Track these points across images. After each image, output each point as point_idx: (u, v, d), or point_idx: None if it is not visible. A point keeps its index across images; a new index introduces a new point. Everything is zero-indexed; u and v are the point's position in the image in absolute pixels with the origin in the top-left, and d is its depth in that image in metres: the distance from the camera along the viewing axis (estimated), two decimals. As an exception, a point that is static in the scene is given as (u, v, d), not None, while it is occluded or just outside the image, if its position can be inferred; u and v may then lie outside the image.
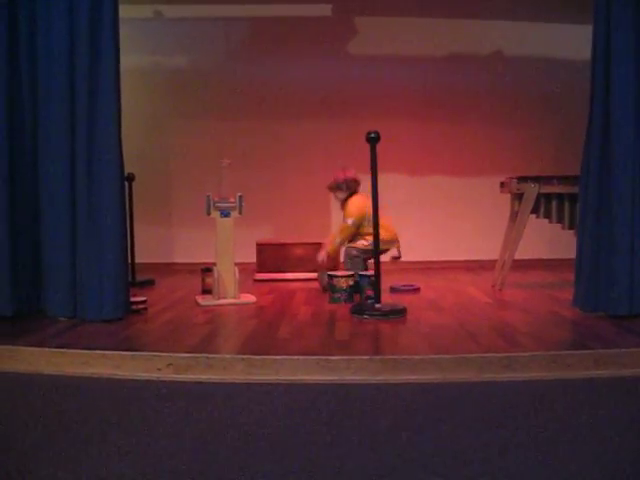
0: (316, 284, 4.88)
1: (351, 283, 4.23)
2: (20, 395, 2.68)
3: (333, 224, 4.84)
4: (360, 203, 4.63)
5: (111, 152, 3.63)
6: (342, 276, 4.25)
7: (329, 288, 4.27)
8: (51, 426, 2.29)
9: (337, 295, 4.22)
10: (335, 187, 4.78)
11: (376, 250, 3.82)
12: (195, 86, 6.22)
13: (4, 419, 2.36)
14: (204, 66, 6.28)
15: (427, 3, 6.12)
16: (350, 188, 4.76)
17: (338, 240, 4.68)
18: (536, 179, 4.50)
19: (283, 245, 5.53)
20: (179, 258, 6.19)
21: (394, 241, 4.67)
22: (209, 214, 4.25)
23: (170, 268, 6.06)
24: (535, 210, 4.53)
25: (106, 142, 3.61)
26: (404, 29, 6.15)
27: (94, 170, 3.61)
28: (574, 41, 6.04)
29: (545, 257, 6.05)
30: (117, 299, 3.66)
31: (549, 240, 5.64)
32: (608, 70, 3.50)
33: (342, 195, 4.78)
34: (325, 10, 6.21)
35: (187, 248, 6.13)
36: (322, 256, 4.72)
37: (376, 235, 3.81)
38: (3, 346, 3.06)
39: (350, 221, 4.62)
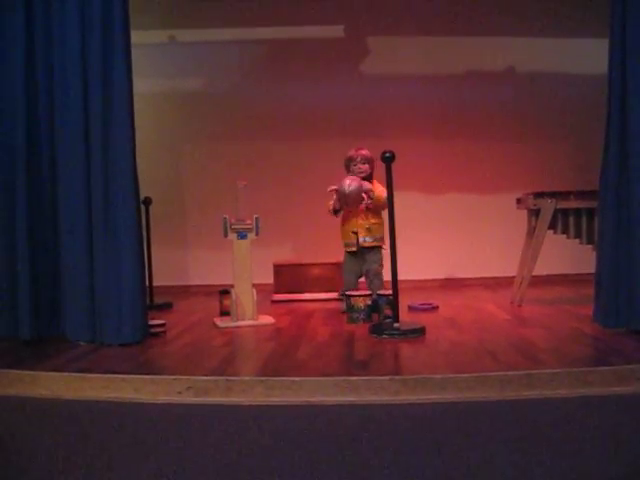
0: (334, 304, 4.87)
1: (369, 303, 4.23)
2: (40, 420, 2.69)
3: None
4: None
5: (126, 176, 3.66)
6: (360, 295, 4.25)
7: (347, 308, 4.27)
8: (71, 451, 2.29)
9: (355, 315, 4.21)
10: (368, 161, 4.59)
11: (394, 268, 3.81)
12: (210, 109, 6.26)
13: (24, 444, 2.37)
14: (219, 89, 6.33)
15: (440, 21, 6.15)
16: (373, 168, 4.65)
17: (384, 198, 4.12)
18: (553, 195, 4.48)
19: (300, 265, 5.53)
20: (196, 280, 6.20)
21: None
22: (226, 236, 4.26)
23: (187, 291, 6.08)
24: (552, 226, 4.51)
25: (120, 166, 3.65)
26: (417, 47, 6.17)
27: (110, 195, 3.64)
28: (588, 55, 6.04)
29: (564, 272, 6.01)
30: (136, 322, 3.68)
31: (567, 255, 5.60)
32: (625, 83, 3.48)
33: (368, 171, 4.60)
34: (337, 31, 6.25)
35: (204, 270, 6.14)
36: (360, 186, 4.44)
37: (394, 260, 3.80)
38: (23, 371, 3.07)
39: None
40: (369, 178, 4.61)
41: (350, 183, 4.44)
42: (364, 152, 4.61)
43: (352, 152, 4.64)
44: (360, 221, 4.58)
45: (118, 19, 3.63)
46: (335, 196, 4.56)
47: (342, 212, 4.66)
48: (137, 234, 3.72)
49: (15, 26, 3.65)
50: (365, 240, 4.58)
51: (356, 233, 4.59)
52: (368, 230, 4.58)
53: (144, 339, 3.72)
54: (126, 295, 3.64)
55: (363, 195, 4.45)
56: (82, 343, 3.67)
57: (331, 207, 4.63)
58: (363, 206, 4.51)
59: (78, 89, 3.65)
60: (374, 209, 4.56)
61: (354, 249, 4.63)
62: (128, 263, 3.65)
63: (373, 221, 4.59)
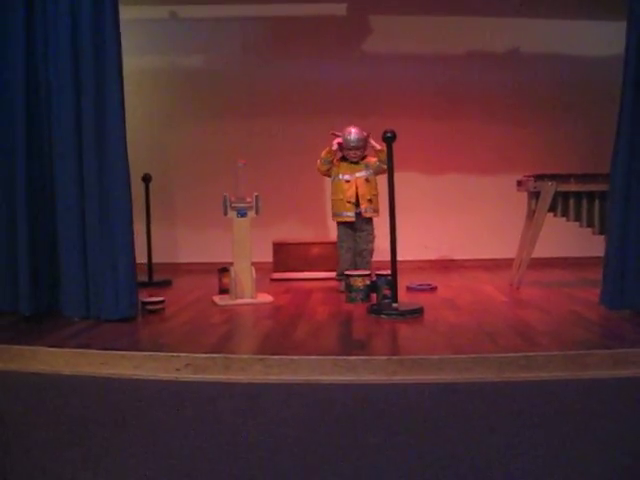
0: (333, 283, 4.87)
1: (368, 282, 4.23)
2: (39, 395, 2.70)
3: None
4: None
5: (118, 154, 3.70)
6: (359, 275, 4.25)
7: (346, 288, 4.29)
8: (71, 426, 2.30)
9: (354, 295, 4.22)
10: (361, 145, 4.68)
11: (393, 249, 3.81)
12: (210, 86, 6.23)
13: (24, 419, 2.38)
14: (219, 66, 6.29)
15: (443, 1, 6.10)
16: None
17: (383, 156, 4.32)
18: (553, 177, 4.48)
19: (300, 244, 5.53)
20: (196, 258, 6.19)
21: None
22: (226, 214, 4.26)
23: (187, 268, 6.07)
24: (552, 208, 4.51)
25: (113, 147, 3.69)
26: (419, 27, 6.12)
27: (104, 173, 3.68)
28: (591, 38, 6.02)
29: (563, 255, 6.01)
30: (131, 298, 3.71)
31: (567, 238, 5.60)
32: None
33: (362, 155, 4.71)
34: (340, 9, 6.20)
35: (204, 248, 6.13)
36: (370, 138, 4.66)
37: (393, 240, 3.80)
38: (22, 346, 3.09)
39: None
40: (363, 159, 4.74)
41: (352, 130, 4.66)
42: (357, 136, 4.66)
43: (346, 140, 4.67)
44: (361, 191, 4.63)
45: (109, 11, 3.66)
46: (335, 141, 4.69)
47: (331, 166, 4.73)
48: (129, 211, 3.74)
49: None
50: (367, 211, 4.63)
51: (353, 203, 4.63)
52: (369, 201, 4.64)
53: (138, 315, 3.76)
54: (121, 271, 3.67)
55: (365, 139, 4.65)
56: (77, 319, 3.68)
57: (331, 149, 4.71)
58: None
59: (71, 86, 3.69)
60: (378, 165, 4.63)
61: (352, 219, 4.65)
62: (121, 240, 3.69)
63: (374, 192, 4.66)
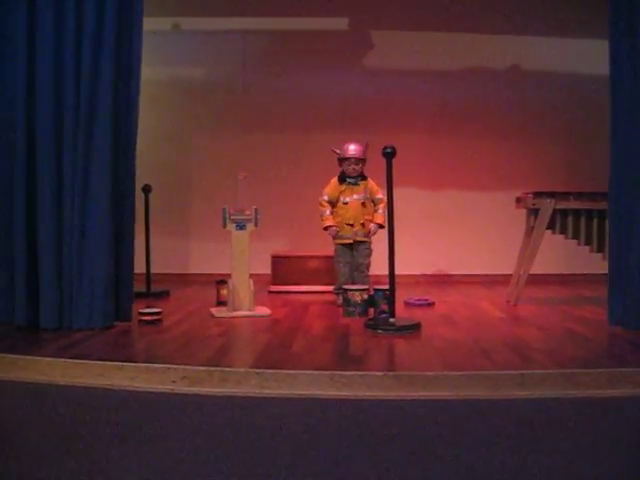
0: (331, 297, 4.88)
1: (366, 297, 4.24)
2: (35, 405, 2.70)
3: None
4: None
5: (102, 162, 3.73)
6: (357, 290, 4.26)
7: (344, 302, 4.30)
8: (65, 437, 2.30)
9: (351, 309, 4.23)
10: (361, 160, 4.70)
11: (391, 263, 3.81)
12: (211, 98, 6.27)
13: (19, 429, 2.38)
14: (221, 79, 6.32)
15: (443, 17, 6.14)
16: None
17: (379, 195, 4.70)
18: (552, 195, 4.49)
19: (298, 257, 5.54)
20: (195, 269, 6.21)
21: None
22: (225, 227, 4.27)
23: (186, 279, 6.08)
24: (551, 226, 4.52)
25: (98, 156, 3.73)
26: (420, 43, 6.16)
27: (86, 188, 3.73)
28: (590, 56, 6.04)
29: (560, 272, 6.02)
30: (106, 308, 3.74)
31: (564, 255, 5.61)
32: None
33: (361, 170, 4.72)
34: (342, 24, 6.24)
35: (203, 259, 6.15)
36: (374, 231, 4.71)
37: (391, 255, 3.80)
38: (19, 356, 3.08)
39: (382, 195, 4.58)
40: (362, 176, 4.75)
41: (351, 146, 4.70)
42: (357, 153, 4.69)
43: (345, 151, 4.71)
44: (356, 214, 4.68)
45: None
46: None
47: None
48: (109, 224, 3.75)
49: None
50: (357, 234, 4.69)
51: (351, 225, 4.67)
52: (362, 225, 4.69)
53: (113, 324, 3.79)
54: (97, 281, 3.70)
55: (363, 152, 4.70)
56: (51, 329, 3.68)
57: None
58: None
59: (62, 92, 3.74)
60: (368, 199, 4.73)
61: (350, 241, 4.68)
62: (99, 248, 3.71)
63: (367, 217, 4.70)
